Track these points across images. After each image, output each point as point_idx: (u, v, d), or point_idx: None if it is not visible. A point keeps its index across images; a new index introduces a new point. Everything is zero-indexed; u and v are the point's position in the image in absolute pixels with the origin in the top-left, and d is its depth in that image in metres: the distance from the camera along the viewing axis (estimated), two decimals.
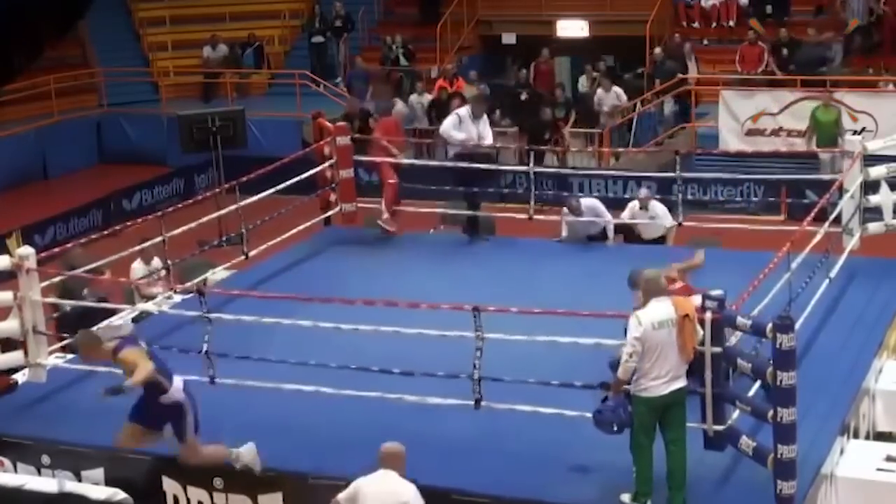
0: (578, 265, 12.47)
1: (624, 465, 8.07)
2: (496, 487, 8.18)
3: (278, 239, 13.13)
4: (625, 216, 13.42)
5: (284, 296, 10.30)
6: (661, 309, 7.85)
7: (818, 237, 10.75)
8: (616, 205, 13.97)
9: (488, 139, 13.31)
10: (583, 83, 22.12)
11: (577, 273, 12.22)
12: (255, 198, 12.76)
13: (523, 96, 21.56)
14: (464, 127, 13.14)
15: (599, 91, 20.80)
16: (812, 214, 10.77)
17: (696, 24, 23.32)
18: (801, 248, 10.24)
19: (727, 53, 21.72)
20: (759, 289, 9.11)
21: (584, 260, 12.67)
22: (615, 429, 8.02)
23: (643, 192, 13.37)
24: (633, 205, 13.39)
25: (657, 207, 13.29)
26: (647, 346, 7.76)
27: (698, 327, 7.96)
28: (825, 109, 18.03)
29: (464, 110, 13.36)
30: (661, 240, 13.40)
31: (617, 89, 20.71)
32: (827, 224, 11.16)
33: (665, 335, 7.80)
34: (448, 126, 13.26)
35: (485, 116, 13.47)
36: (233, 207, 12.73)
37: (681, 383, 7.92)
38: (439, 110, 21.29)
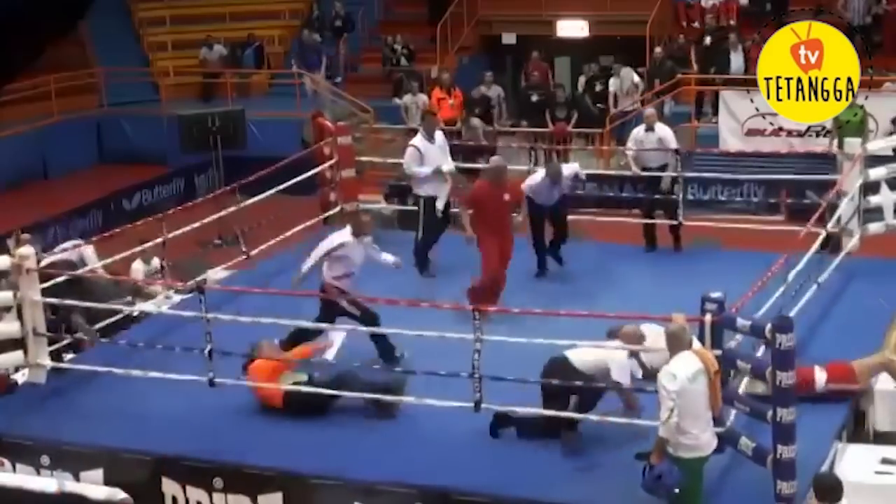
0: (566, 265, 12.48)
1: (623, 464, 8.07)
2: (496, 487, 8.19)
3: (278, 239, 13.13)
4: (630, 144, 13.16)
5: (284, 292, 10.29)
6: (689, 362, 7.56)
7: (819, 238, 10.75)
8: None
9: (448, 164, 12.48)
10: (582, 83, 22.09)
11: (568, 273, 12.23)
12: (255, 199, 12.77)
13: (534, 98, 21.43)
14: (427, 156, 12.21)
15: (623, 72, 20.74)
16: (814, 215, 10.77)
17: (696, 24, 23.28)
18: (801, 249, 10.25)
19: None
20: (758, 290, 9.11)
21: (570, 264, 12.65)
22: (668, 495, 7.62)
23: (649, 110, 13.12)
24: (639, 129, 13.10)
25: (663, 129, 12.98)
26: (687, 401, 7.42)
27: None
28: (849, 109, 17.84)
29: (418, 139, 12.37)
30: (664, 167, 12.99)
31: (634, 75, 20.79)
32: (828, 225, 11.16)
33: (701, 387, 7.51)
34: (409, 162, 12.26)
35: (439, 135, 12.56)
36: (233, 209, 12.75)
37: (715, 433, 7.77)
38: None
